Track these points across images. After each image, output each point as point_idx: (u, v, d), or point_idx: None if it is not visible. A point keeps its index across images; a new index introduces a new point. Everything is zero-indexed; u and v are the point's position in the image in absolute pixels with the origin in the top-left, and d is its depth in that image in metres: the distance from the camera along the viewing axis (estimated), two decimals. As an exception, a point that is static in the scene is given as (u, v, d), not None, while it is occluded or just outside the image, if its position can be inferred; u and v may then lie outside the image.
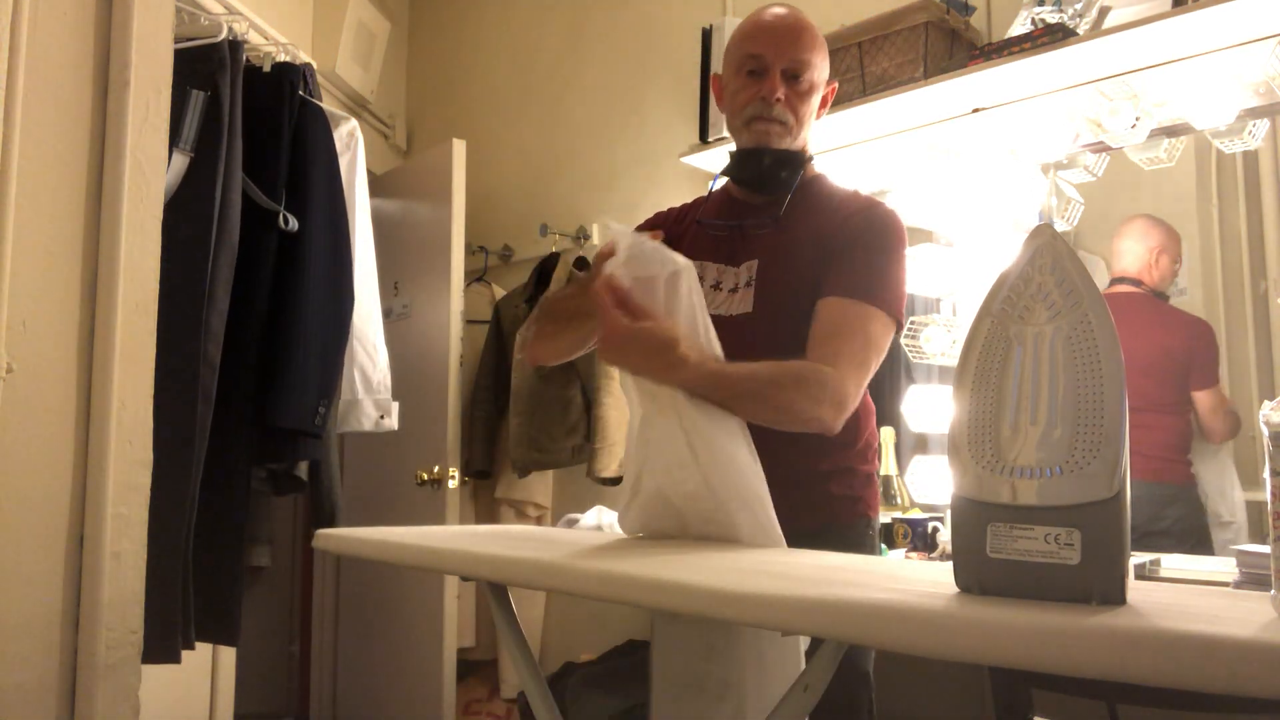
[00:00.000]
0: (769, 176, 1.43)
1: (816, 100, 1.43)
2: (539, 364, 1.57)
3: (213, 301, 1.80)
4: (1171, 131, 1.84)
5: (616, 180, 2.91)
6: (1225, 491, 1.85)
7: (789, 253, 1.38)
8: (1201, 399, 1.87)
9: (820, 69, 1.42)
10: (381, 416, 2.26)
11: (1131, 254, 1.96)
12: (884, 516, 2.04)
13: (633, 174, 2.85)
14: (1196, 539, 1.84)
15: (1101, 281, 1.97)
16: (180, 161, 1.78)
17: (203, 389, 1.77)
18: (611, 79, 2.99)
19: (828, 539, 1.22)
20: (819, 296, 1.31)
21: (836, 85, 1.49)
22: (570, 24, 3.15)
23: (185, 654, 1.75)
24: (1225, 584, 1.50)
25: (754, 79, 1.41)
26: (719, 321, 1.29)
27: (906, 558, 1.90)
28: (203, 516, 1.78)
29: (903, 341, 2.15)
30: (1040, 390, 0.73)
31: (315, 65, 2.26)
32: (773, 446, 1.18)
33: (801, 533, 1.19)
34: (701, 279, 1.33)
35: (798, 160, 1.43)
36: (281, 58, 2.09)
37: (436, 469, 2.72)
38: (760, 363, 1.21)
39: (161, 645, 1.69)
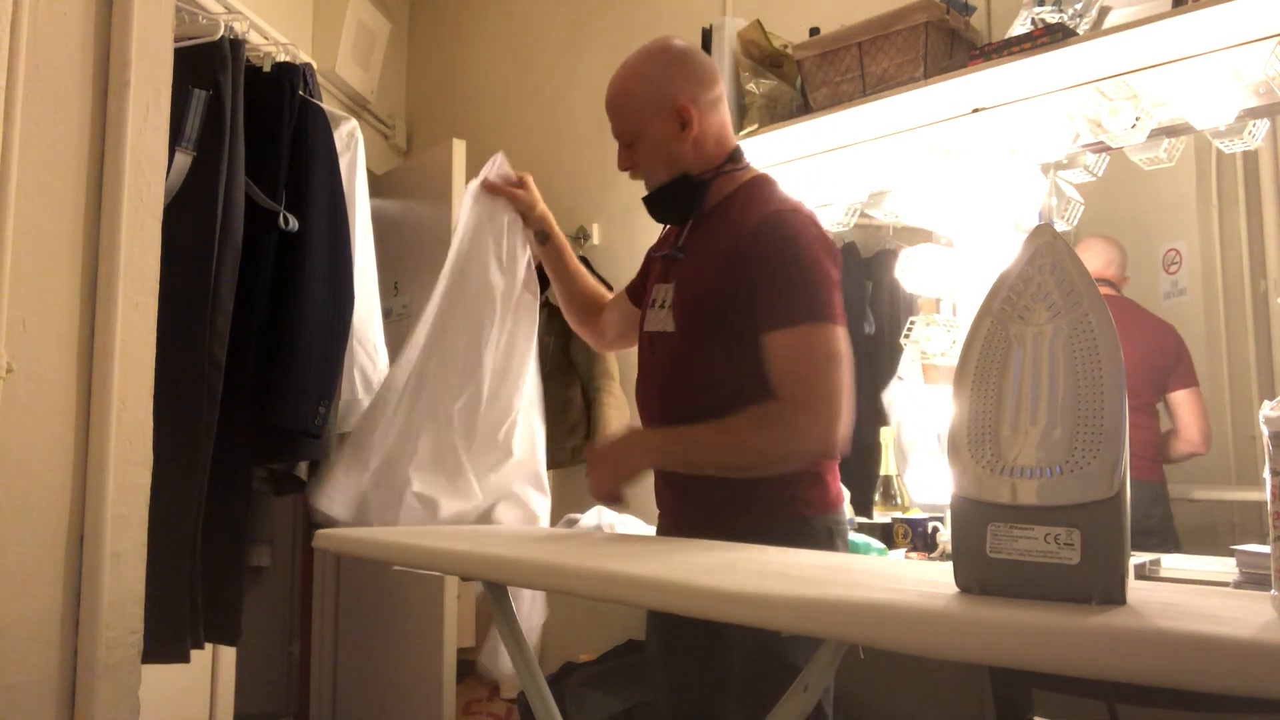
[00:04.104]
0: (664, 213, 1.57)
1: (657, 140, 1.49)
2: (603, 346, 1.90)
3: (217, 301, 1.80)
4: (1171, 131, 1.84)
5: (616, 180, 2.89)
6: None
7: (696, 273, 1.45)
8: (1178, 400, 1.89)
9: (643, 120, 1.50)
10: (381, 416, 2.25)
11: (1091, 266, 1.99)
12: (884, 516, 2.04)
13: (633, 174, 2.84)
14: (1165, 535, 1.86)
15: (1101, 282, 1.97)
16: (183, 160, 1.78)
17: (209, 389, 1.77)
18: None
19: (759, 538, 1.27)
20: (739, 317, 1.38)
21: (681, 101, 1.49)
22: (570, 24, 3.15)
23: (185, 654, 1.75)
24: (1225, 584, 1.50)
25: None
26: (655, 337, 1.50)
27: (906, 558, 1.90)
28: (204, 516, 1.78)
29: (902, 341, 2.15)
30: (1040, 390, 0.73)
31: (315, 65, 2.26)
32: None
33: (730, 531, 1.30)
34: (652, 301, 1.53)
35: (687, 188, 1.50)
36: (281, 58, 2.09)
37: (436, 469, 2.71)
38: (725, 419, 1.33)
39: (170, 645, 1.69)
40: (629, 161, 1.55)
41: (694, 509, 1.46)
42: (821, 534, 1.39)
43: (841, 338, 1.34)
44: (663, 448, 1.41)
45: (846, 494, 2.14)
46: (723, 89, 1.56)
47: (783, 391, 1.32)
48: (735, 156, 1.53)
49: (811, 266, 1.36)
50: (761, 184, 1.51)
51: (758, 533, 1.31)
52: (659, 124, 1.49)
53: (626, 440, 1.48)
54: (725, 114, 1.55)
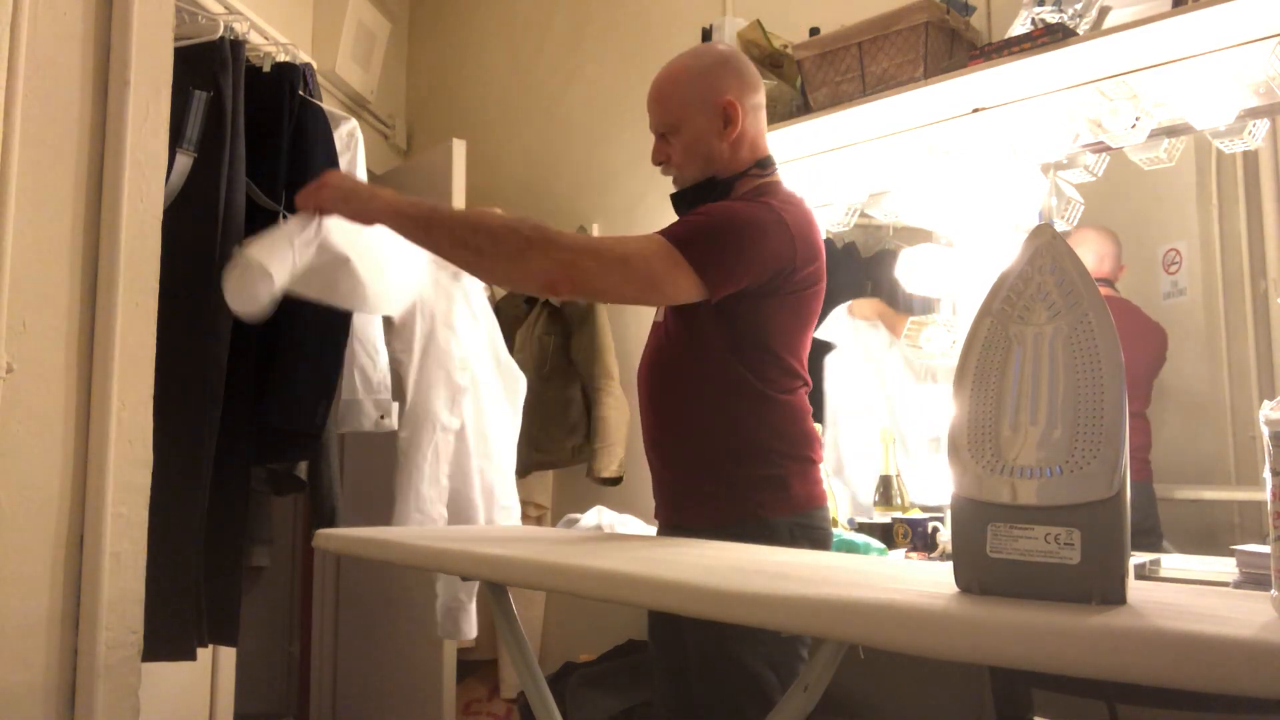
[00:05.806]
0: (688, 210, 1.54)
1: (697, 134, 1.50)
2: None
3: (219, 302, 1.80)
4: (1171, 131, 1.84)
5: (616, 180, 2.91)
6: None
7: None
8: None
9: (682, 113, 1.50)
10: (381, 416, 2.25)
11: (1086, 261, 1.99)
12: (884, 516, 2.04)
13: (632, 174, 2.84)
14: (1154, 533, 1.86)
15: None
16: (184, 162, 1.78)
17: (210, 390, 1.77)
18: (611, 79, 2.99)
19: (721, 537, 1.31)
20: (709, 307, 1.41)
21: (729, 98, 1.50)
22: (570, 24, 3.15)
23: (186, 654, 1.75)
24: (1225, 584, 1.50)
25: None
26: (655, 326, 1.54)
27: (906, 558, 1.90)
28: (204, 516, 1.78)
29: (903, 341, 2.15)
30: (1040, 390, 0.73)
31: (315, 65, 2.25)
32: (664, 449, 1.48)
33: (695, 530, 1.39)
34: None
35: (707, 188, 1.52)
36: (281, 58, 2.09)
37: (436, 469, 2.71)
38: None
39: (177, 643, 1.70)
40: (664, 154, 1.54)
41: (669, 510, 1.52)
42: (783, 535, 1.38)
43: (668, 267, 1.34)
44: (402, 209, 1.37)
45: (846, 495, 2.15)
46: (764, 98, 1.57)
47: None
48: (764, 164, 1.54)
49: (716, 225, 1.38)
50: (767, 188, 1.51)
51: (719, 531, 1.34)
52: (703, 119, 1.50)
53: (374, 190, 1.43)
54: (763, 122, 1.56)
